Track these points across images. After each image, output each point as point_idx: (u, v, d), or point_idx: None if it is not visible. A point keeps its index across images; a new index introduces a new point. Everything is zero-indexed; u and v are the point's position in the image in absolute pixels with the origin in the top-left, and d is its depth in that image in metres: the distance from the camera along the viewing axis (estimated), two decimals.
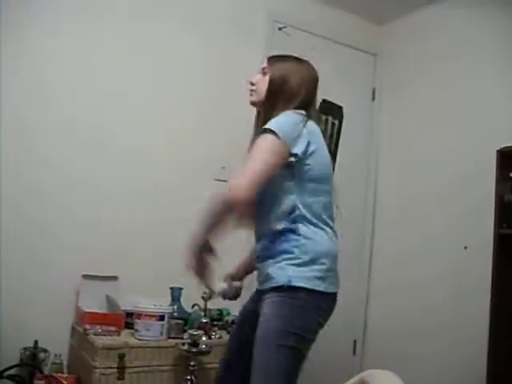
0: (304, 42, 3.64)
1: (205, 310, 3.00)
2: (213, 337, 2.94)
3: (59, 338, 2.93)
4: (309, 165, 1.88)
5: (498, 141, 3.04)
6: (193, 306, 3.06)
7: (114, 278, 3.04)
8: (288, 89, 1.99)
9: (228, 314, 3.25)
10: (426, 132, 3.77)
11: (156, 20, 3.31)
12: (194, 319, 3.00)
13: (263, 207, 1.93)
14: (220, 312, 3.22)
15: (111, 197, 3.14)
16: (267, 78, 2.04)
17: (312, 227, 1.88)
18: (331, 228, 1.95)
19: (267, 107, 2.01)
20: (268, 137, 1.83)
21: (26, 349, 2.77)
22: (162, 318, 2.78)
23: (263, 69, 2.09)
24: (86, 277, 2.96)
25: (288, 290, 1.83)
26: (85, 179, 3.08)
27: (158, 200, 3.24)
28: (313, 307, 1.84)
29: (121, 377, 2.60)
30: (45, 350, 2.80)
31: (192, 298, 3.04)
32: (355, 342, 3.93)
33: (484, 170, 3.14)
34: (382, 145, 4.15)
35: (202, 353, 2.74)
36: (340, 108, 3.82)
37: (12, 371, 2.67)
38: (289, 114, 1.91)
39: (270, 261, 1.92)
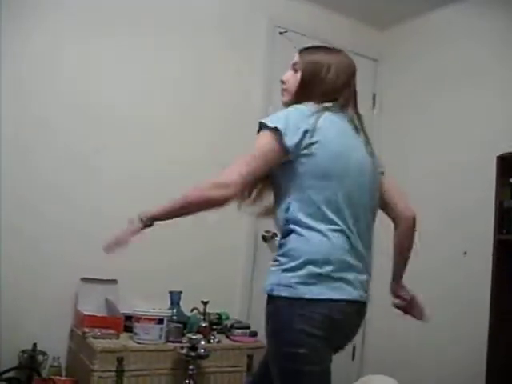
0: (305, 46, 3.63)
1: (204, 313, 3.00)
2: (212, 341, 2.94)
3: (58, 340, 2.92)
4: (306, 156, 1.69)
5: (497, 147, 3.05)
6: (192, 310, 3.06)
7: (114, 281, 3.04)
8: (321, 83, 1.81)
9: (227, 318, 3.25)
10: (427, 138, 3.77)
11: (157, 28, 3.33)
12: (193, 323, 3.00)
13: (275, 206, 1.80)
14: (219, 316, 3.22)
15: (111, 200, 3.14)
16: (299, 74, 1.85)
17: (306, 229, 1.67)
18: (337, 229, 1.69)
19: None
20: (265, 133, 1.71)
21: (24, 351, 2.77)
22: (160, 321, 2.78)
23: (294, 64, 1.89)
24: (85, 280, 2.96)
25: (272, 299, 1.68)
26: (85, 183, 3.08)
27: (158, 205, 3.23)
28: (294, 316, 1.62)
29: (119, 380, 2.60)
30: (43, 353, 2.80)
31: (191, 301, 3.04)
32: (354, 347, 3.93)
33: (484, 175, 3.14)
34: (381, 151, 4.13)
35: (201, 357, 2.74)
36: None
37: (10, 374, 2.66)
38: (297, 106, 1.75)
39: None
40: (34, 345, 2.79)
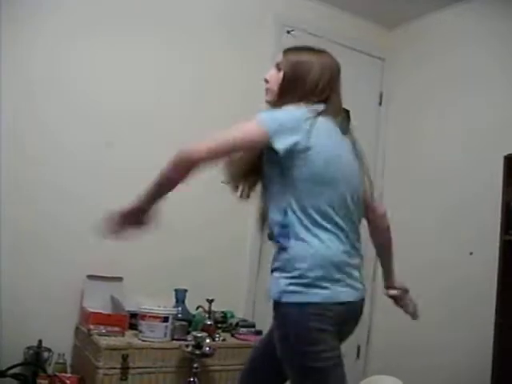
0: (312, 45, 3.63)
1: (209, 312, 3.00)
2: (217, 339, 2.94)
3: (63, 337, 2.94)
4: (301, 162, 1.69)
5: (505, 147, 3.03)
6: (197, 308, 3.06)
7: (119, 278, 3.05)
8: (303, 83, 1.80)
9: (232, 316, 3.25)
10: (433, 137, 3.76)
11: (161, 28, 3.33)
12: (198, 321, 3.00)
13: (267, 208, 1.80)
14: (224, 314, 3.22)
15: (117, 198, 3.13)
16: (281, 73, 1.85)
17: (306, 234, 1.69)
18: (335, 232, 1.71)
19: (279, 106, 1.79)
20: (253, 121, 1.71)
21: (29, 348, 2.78)
22: (166, 319, 2.79)
23: (277, 64, 1.89)
24: (90, 277, 2.97)
25: (280, 306, 1.69)
26: (92, 181, 3.09)
27: (163, 202, 3.23)
28: (305, 318, 1.65)
29: (124, 377, 2.61)
30: (48, 350, 2.81)
31: (196, 299, 3.05)
32: (359, 346, 3.93)
33: (491, 176, 3.13)
34: (388, 149, 4.14)
35: (206, 355, 2.74)
36: (347, 112, 3.81)
37: (15, 370, 2.67)
38: (293, 109, 1.74)
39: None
40: (40, 341, 2.80)
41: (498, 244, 2.93)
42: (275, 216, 1.75)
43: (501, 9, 3.40)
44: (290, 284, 1.67)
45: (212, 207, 3.34)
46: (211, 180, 3.37)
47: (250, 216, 3.32)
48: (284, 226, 1.72)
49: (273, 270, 1.76)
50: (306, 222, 1.69)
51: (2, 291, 2.77)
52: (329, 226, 1.71)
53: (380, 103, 4.16)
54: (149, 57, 3.28)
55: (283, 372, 1.77)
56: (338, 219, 1.73)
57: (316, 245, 1.68)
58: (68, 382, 2.65)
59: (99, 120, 3.13)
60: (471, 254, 3.31)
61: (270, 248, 3.04)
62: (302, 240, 1.69)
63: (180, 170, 1.76)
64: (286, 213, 1.72)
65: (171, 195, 3.27)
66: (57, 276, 2.93)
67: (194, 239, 3.30)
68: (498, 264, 2.91)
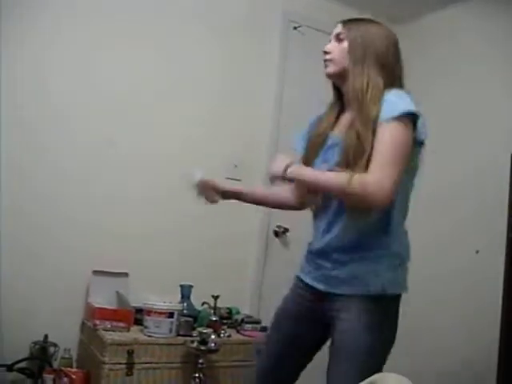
0: (319, 41, 3.56)
1: (214, 308, 3.01)
2: (222, 335, 2.95)
3: (69, 332, 2.94)
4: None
5: (511, 144, 3.02)
6: (202, 304, 3.07)
7: (125, 274, 3.05)
8: (373, 53, 1.72)
9: (238, 312, 3.25)
10: (440, 135, 3.73)
11: (170, 20, 3.31)
12: (203, 317, 3.00)
13: None
14: (229, 310, 3.22)
15: (123, 194, 3.15)
16: (345, 44, 1.76)
17: (401, 227, 1.78)
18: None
19: (352, 75, 1.72)
20: (404, 126, 1.60)
21: (35, 343, 2.79)
22: (171, 315, 2.79)
23: (338, 35, 1.80)
24: (96, 273, 2.97)
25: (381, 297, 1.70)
26: (96, 180, 3.08)
27: (169, 199, 3.24)
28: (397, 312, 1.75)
29: (129, 373, 2.62)
30: (54, 345, 2.81)
31: (202, 295, 3.05)
32: None
33: (497, 173, 3.12)
34: None
35: (211, 351, 2.74)
36: None
37: (22, 364, 2.68)
38: (402, 93, 1.70)
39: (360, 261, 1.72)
40: (46, 336, 2.81)
41: (504, 242, 2.92)
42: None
43: (502, 8, 3.37)
44: (399, 275, 1.80)
45: (219, 204, 3.33)
46: (221, 178, 3.41)
47: (257, 213, 3.34)
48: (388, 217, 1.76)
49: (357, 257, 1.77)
50: (403, 215, 1.82)
51: (8, 287, 2.78)
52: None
53: None
54: (149, 56, 3.25)
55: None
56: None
57: (405, 239, 1.87)
58: (74, 376, 2.66)
59: (105, 112, 3.12)
60: (477, 252, 3.29)
61: (277, 245, 3.04)
62: (400, 233, 1.83)
63: (347, 198, 1.66)
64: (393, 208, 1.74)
65: (178, 193, 3.29)
66: (63, 271, 2.94)
67: (200, 236, 3.30)
68: (505, 262, 2.90)
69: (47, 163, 2.97)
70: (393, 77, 1.76)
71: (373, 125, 1.62)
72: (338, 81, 1.82)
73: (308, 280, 1.83)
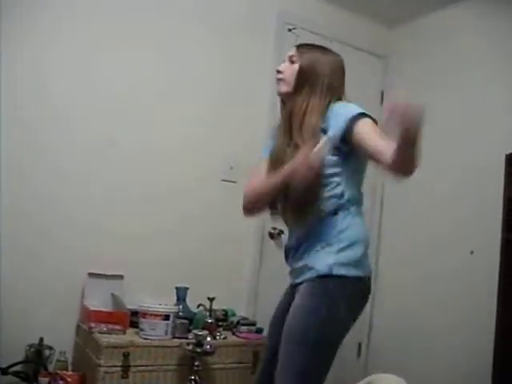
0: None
1: (210, 310, 3.01)
2: (217, 337, 2.94)
3: (64, 335, 2.93)
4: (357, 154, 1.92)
5: (506, 145, 3.03)
6: (198, 306, 3.06)
7: (120, 276, 3.04)
8: (316, 78, 1.97)
9: (233, 314, 3.25)
10: (435, 135, 3.74)
11: (170, 20, 3.31)
12: (199, 319, 3.00)
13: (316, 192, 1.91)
14: (225, 312, 3.22)
15: (119, 196, 3.14)
16: (296, 66, 2.01)
17: (356, 214, 1.93)
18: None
19: (295, 96, 1.98)
20: (367, 120, 1.88)
21: (31, 346, 2.78)
22: (167, 317, 2.79)
23: (291, 57, 2.04)
24: (91, 275, 2.96)
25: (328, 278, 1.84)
26: (94, 182, 3.07)
27: (165, 201, 3.24)
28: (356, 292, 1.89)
29: (125, 375, 2.61)
30: (50, 348, 2.80)
31: (197, 297, 3.04)
32: (360, 344, 3.93)
33: (492, 174, 3.13)
34: None
35: (207, 353, 2.74)
36: None
37: (17, 368, 2.68)
38: (348, 103, 1.95)
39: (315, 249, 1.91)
40: (41, 339, 2.80)
41: (499, 243, 2.93)
42: (329, 195, 1.96)
43: (502, 7, 3.39)
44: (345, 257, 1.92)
45: (214, 206, 3.34)
46: (217, 181, 3.42)
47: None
48: (339, 206, 1.96)
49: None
50: (357, 205, 1.98)
51: (3, 289, 2.76)
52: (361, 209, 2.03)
53: (381, 102, 4.15)
54: (149, 56, 3.26)
55: None
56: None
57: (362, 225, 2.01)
58: (69, 379, 2.65)
59: (107, 113, 3.12)
60: (472, 252, 3.30)
61: (272, 247, 3.07)
62: (354, 218, 1.97)
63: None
64: (342, 195, 1.93)
65: (174, 195, 3.29)
66: (61, 272, 2.93)
67: (195, 238, 3.31)
68: (500, 263, 2.91)
69: (47, 163, 2.96)
70: (338, 96, 2.00)
71: (313, 135, 1.87)
72: (287, 99, 2.04)
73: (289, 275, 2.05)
